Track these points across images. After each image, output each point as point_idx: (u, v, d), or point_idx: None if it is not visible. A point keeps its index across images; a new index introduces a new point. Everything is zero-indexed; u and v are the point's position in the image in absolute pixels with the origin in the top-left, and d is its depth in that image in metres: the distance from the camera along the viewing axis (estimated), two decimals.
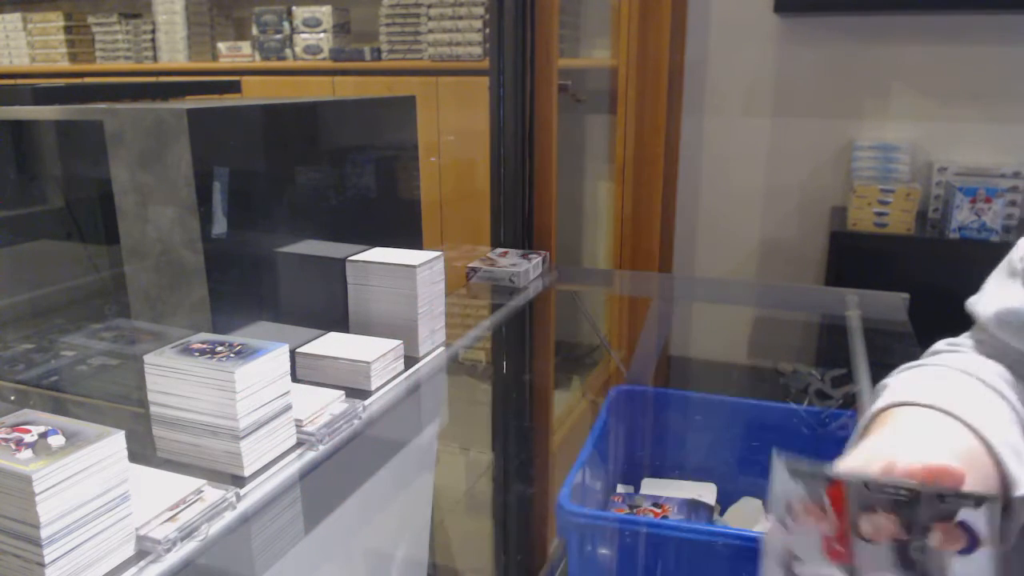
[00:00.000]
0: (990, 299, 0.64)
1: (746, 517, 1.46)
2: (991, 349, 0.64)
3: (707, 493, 1.49)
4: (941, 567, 0.43)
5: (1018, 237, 0.65)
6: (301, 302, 0.85)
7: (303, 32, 2.73)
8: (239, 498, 0.60)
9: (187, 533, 0.55)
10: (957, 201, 2.03)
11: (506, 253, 1.35)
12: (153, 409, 0.64)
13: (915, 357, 0.87)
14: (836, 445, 1.54)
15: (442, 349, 0.94)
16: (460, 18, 2.39)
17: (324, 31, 2.71)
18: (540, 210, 1.40)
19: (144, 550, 0.53)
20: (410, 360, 0.88)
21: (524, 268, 1.29)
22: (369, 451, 0.81)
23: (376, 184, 0.98)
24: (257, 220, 0.77)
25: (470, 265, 1.28)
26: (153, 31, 2.99)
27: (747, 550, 1.07)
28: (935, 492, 0.43)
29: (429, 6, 2.42)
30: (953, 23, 2.17)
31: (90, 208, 0.85)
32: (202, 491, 0.58)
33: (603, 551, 1.13)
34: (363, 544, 0.89)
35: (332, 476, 0.71)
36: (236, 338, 0.67)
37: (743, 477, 1.50)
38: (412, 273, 0.87)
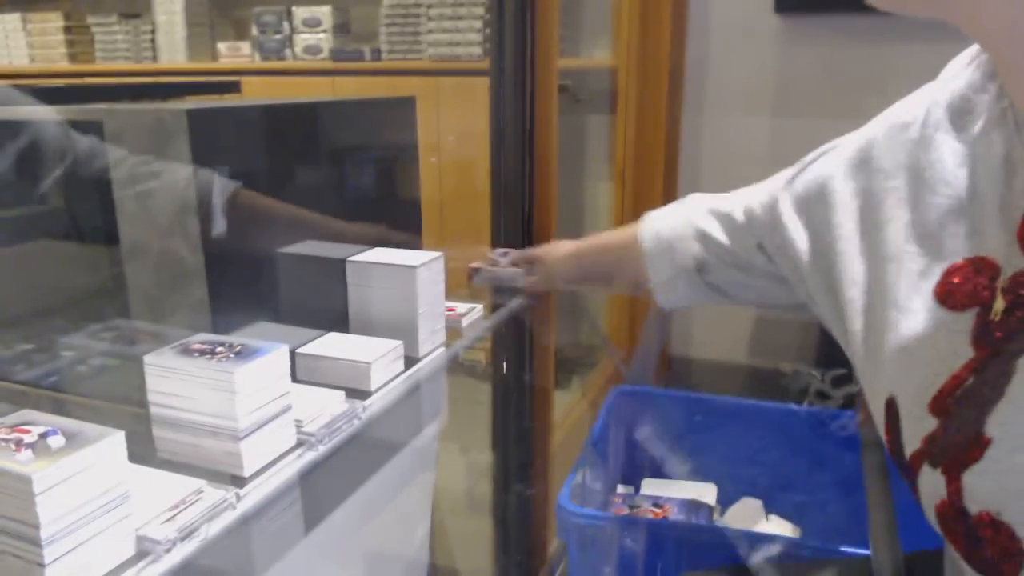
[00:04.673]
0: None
1: (746, 517, 1.46)
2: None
3: (707, 493, 1.49)
4: None
5: None
6: (301, 302, 0.85)
7: (303, 32, 2.73)
8: (239, 498, 0.60)
9: (187, 533, 0.55)
10: None
11: (507, 252, 1.35)
12: (153, 409, 0.64)
13: None
14: (836, 445, 1.54)
15: (442, 349, 0.94)
16: (460, 18, 2.39)
17: (324, 31, 2.71)
18: (540, 210, 1.40)
19: (144, 550, 0.53)
20: (410, 360, 0.87)
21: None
22: (369, 451, 0.81)
23: (376, 184, 0.98)
24: (257, 220, 0.77)
25: (472, 265, 1.28)
26: (153, 31, 2.99)
27: (747, 550, 1.07)
28: None
29: (429, 6, 2.42)
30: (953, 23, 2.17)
31: (90, 208, 0.85)
32: (202, 491, 0.58)
33: (603, 551, 1.13)
34: (363, 544, 0.89)
35: (332, 476, 0.71)
36: (236, 338, 0.67)
37: (743, 477, 1.50)
38: (412, 273, 0.87)
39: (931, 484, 0.48)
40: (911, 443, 0.50)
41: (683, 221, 0.88)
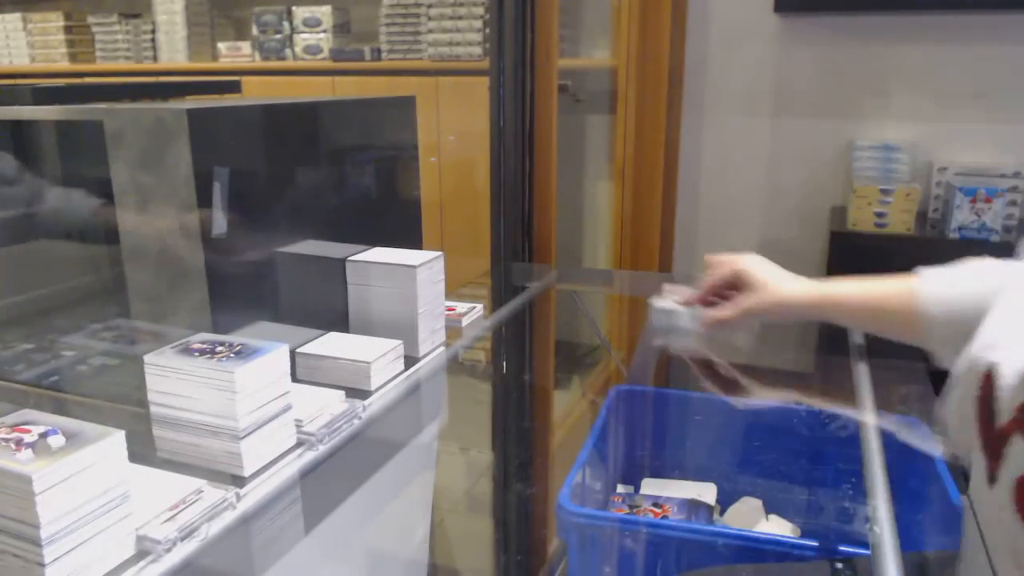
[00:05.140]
0: None
1: (746, 517, 1.46)
2: None
3: (707, 493, 1.49)
4: None
5: (1018, 237, 0.67)
6: (301, 302, 0.85)
7: (303, 32, 2.73)
8: (239, 498, 0.60)
9: (187, 533, 0.55)
10: (957, 201, 2.03)
11: (669, 290, 1.11)
12: (153, 409, 0.64)
13: (914, 357, 0.86)
14: (836, 445, 1.54)
15: (442, 349, 0.94)
16: (460, 18, 2.39)
17: (324, 31, 2.71)
18: (540, 210, 1.40)
19: (144, 550, 0.53)
20: (410, 360, 0.88)
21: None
22: (369, 451, 0.81)
23: (376, 184, 0.98)
24: (257, 220, 0.77)
25: (658, 306, 1.08)
26: (153, 31, 2.99)
27: (747, 550, 1.07)
28: None
29: (429, 6, 2.42)
30: (953, 23, 2.17)
31: (90, 208, 0.85)
32: (202, 491, 0.58)
33: (603, 551, 1.13)
34: (363, 544, 0.89)
35: (332, 476, 0.71)
36: (236, 338, 0.67)
37: (743, 477, 1.50)
38: (412, 273, 0.87)
39: (1020, 455, 0.49)
40: (1004, 414, 0.52)
41: (983, 312, 0.76)
